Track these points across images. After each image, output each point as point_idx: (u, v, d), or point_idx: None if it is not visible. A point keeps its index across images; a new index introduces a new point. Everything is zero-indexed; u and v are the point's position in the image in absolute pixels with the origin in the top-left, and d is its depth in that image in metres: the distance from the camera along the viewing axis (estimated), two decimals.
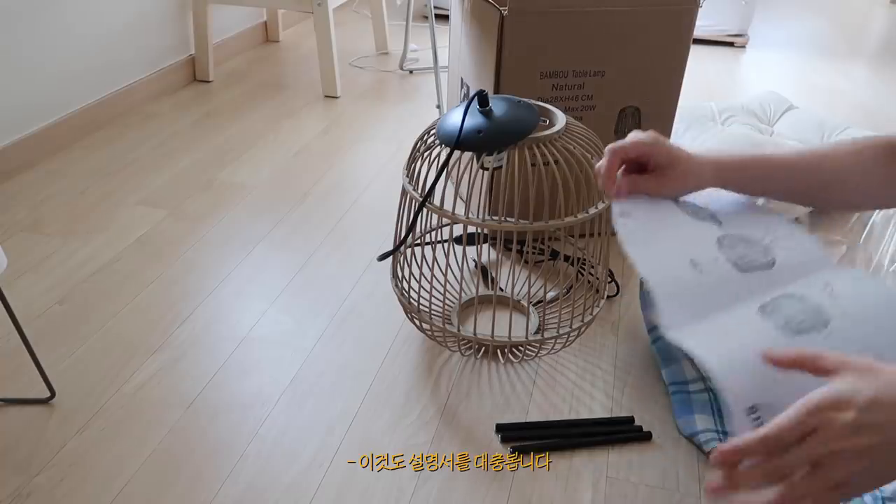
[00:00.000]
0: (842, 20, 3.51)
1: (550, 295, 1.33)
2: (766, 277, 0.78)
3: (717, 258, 0.79)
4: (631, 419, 1.09)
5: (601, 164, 0.86)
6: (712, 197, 0.90)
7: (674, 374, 1.11)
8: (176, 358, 1.18)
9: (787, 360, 0.61)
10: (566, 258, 1.43)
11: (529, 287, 1.15)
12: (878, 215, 1.55)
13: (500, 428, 1.06)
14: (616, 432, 1.06)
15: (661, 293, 0.75)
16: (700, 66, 2.75)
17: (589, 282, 1.24)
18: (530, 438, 1.05)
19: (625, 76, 1.39)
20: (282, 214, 1.61)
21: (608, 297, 1.37)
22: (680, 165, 0.85)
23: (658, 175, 0.85)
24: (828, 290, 0.76)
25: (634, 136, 0.85)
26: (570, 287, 1.36)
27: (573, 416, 1.10)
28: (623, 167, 0.87)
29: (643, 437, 1.06)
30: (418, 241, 1.33)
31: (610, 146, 0.86)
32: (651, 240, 0.81)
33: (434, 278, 1.15)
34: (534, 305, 1.30)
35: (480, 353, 1.21)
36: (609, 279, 1.37)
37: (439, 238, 1.33)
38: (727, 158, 0.88)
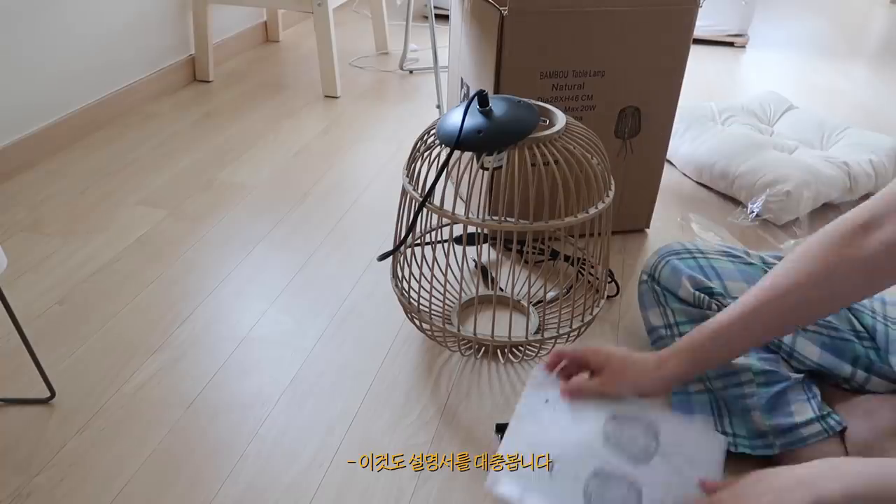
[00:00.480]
0: (842, 20, 3.51)
1: (550, 295, 1.33)
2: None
3: (579, 480, 0.83)
4: None
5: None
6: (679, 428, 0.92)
7: None
8: (176, 358, 1.18)
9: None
10: (566, 258, 1.43)
11: (529, 287, 1.15)
12: None
13: (500, 428, 1.06)
14: None
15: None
16: (700, 66, 2.75)
17: (589, 282, 1.24)
18: None
19: (625, 76, 1.39)
20: (282, 214, 1.61)
21: (608, 297, 1.37)
22: (614, 361, 0.89)
23: (598, 375, 0.90)
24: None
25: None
26: (570, 287, 1.35)
27: None
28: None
29: None
30: (418, 241, 1.33)
31: (553, 349, 0.94)
32: (540, 420, 0.89)
33: (434, 278, 1.15)
34: (534, 305, 1.30)
35: (480, 353, 1.21)
36: (609, 279, 1.37)
37: (439, 238, 1.33)
38: (681, 346, 0.89)
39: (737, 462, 1.02)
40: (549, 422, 0.89)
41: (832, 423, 0.97)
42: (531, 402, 0.91)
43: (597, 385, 0.89)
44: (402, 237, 1.09)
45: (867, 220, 0.79)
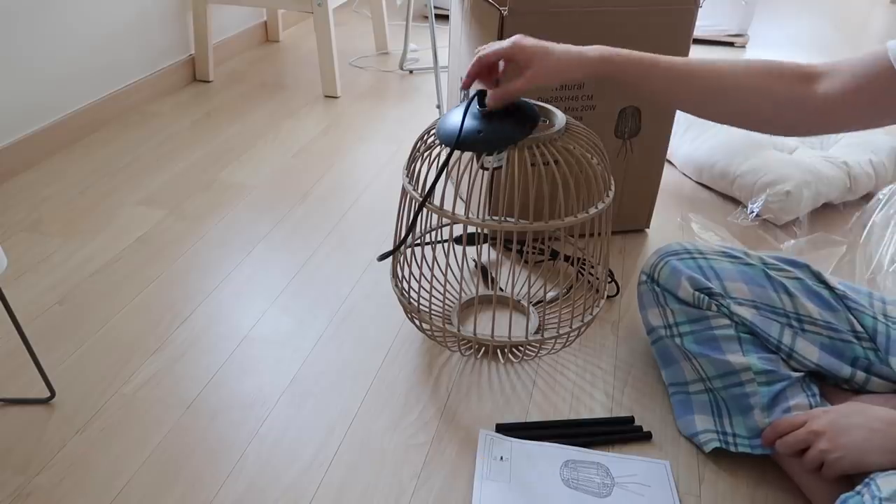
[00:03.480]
0: (842, 20, 3.51)
1: (550, 295, 1.33)
2: None
3: None
4: (631, 419, 1.09)
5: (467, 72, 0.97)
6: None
7: (673, 374, 1.11)
8: (175, 358, 1.18)
9: None
10: (566, 258, 1.43)
11: (529, 287, 1.15)
12: (877, 215, 1.56)
13: (500, 428, 1.06)
14: (616, 432, 1.06)
15: None
16: None
17: (589, 282, 1.24)
18: (530, 438, 1.05)
19: None
20: (282, 214, 1.61)
21: (608, 297, 1.37)
22: (536, 61, 0.94)
23: (523, 74, 0.95)
24: None
25: (495, 43, 0.97)
26: (570, 287, 1.36)
27: (573, 416, 1.10)
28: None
29: (643, 437, 1.06)
30: (418, 241, 1.33)
31: (476, 55, 0.98)
32: (503, 478, 0.97)
33: (434, 278, 1.15)
34: (534, 305, 1.30)
35: (480, 353, 1.21)
36: (609, 279, 1.37)
37: (439, 238, 1.33)
38: (615, 52, 0.94)
39: (736, 461, 1.02)
40: (512, 478, 0.97)
41: None
42: (488, 461, 0.99)
43: (526, 79, 0.93)
44: (402, 237, 1.09)
45: (809, 73, 0.87)
